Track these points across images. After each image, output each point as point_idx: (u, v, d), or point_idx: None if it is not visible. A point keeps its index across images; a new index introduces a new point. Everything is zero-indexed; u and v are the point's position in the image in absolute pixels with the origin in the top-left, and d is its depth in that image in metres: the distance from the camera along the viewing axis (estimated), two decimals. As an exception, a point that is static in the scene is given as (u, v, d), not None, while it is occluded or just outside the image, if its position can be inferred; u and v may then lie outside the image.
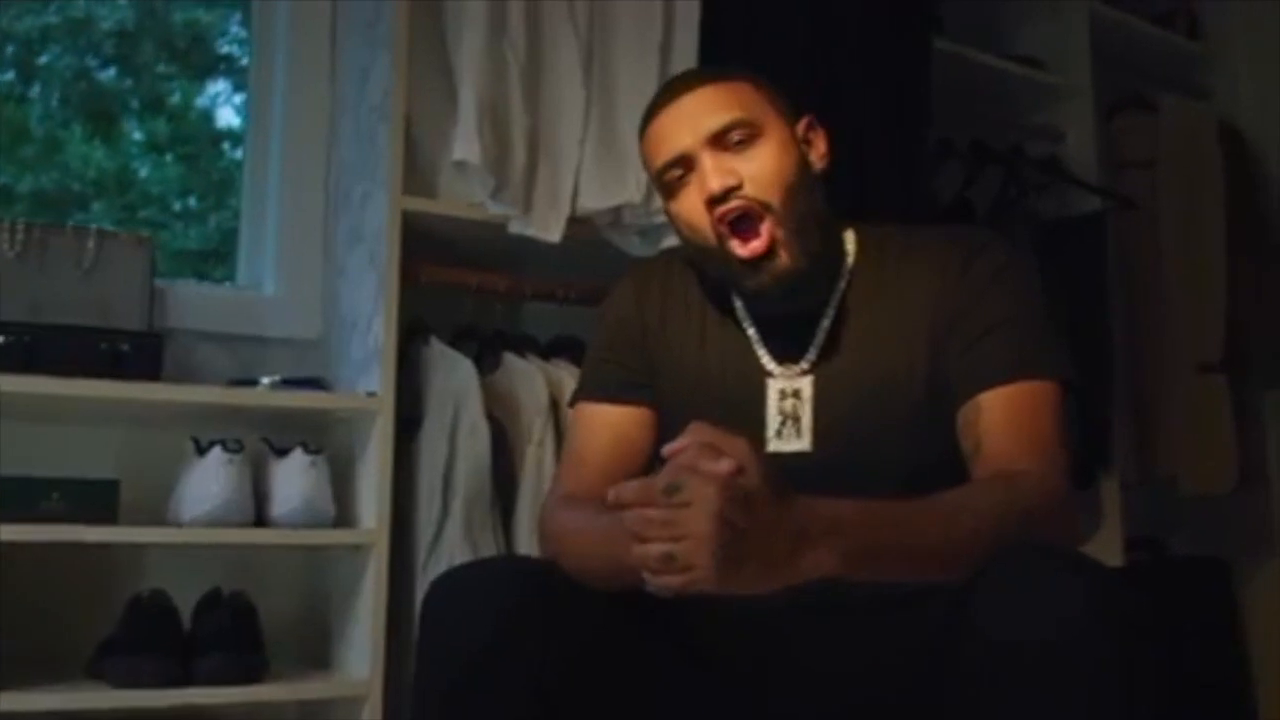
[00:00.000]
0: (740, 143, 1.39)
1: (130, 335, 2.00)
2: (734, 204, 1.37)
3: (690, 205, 1.41)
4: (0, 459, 1.92)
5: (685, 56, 2.10)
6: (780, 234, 1.38)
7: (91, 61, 2.69)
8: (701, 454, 1.10)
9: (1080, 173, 2.87)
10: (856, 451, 1.38)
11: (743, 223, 1.38)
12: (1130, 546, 2.75)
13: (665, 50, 2.10)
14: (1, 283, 2.01)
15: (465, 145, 1.97)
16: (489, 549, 1.95)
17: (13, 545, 1.78)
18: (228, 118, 2.83)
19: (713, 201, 1.38)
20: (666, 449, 1.14)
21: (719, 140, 1.39)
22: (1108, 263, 2.78)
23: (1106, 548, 2.64)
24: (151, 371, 1.97)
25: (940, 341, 1.39)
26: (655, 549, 1.09)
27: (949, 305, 1.39)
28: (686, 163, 1.41)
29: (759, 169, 1.38)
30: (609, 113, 2.10)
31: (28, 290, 2.03)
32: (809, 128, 1.47)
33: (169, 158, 2.79)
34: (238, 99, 2.80)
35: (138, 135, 2.76)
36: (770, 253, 1.38)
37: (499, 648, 1.22)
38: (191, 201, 2.79)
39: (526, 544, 1.97)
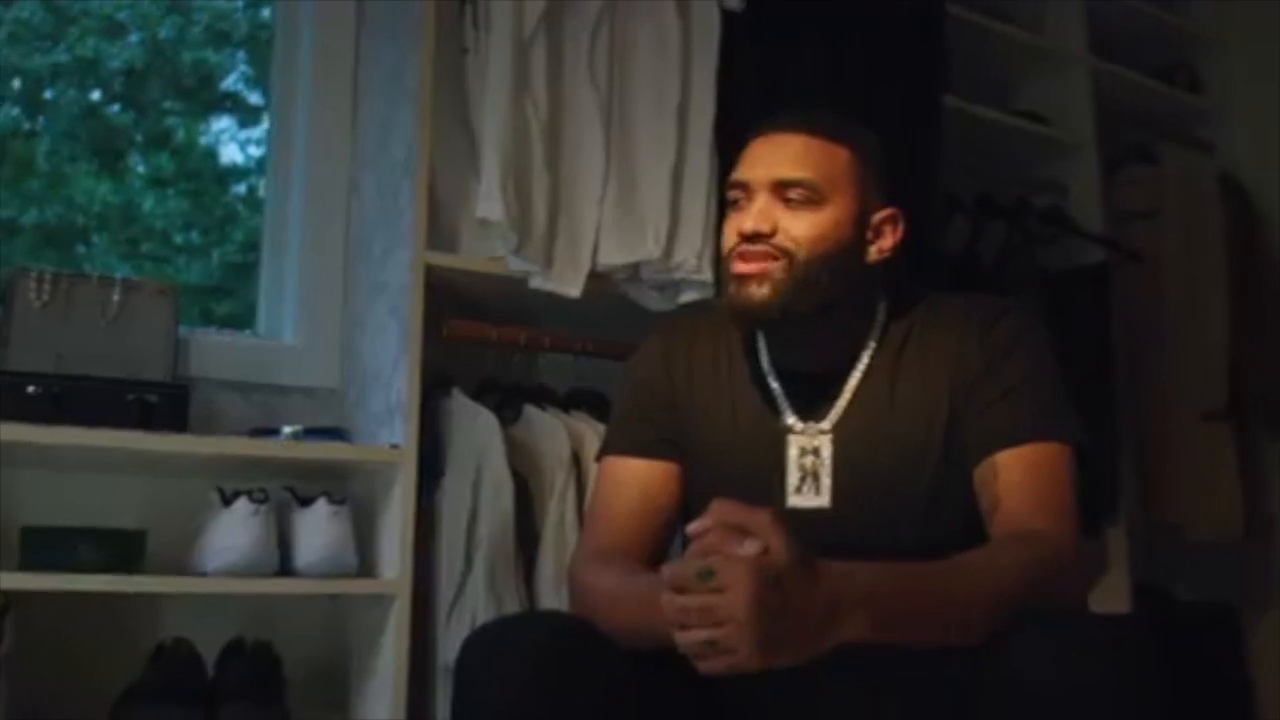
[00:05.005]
0: (798, 202, 1.43)
1: (157, 387, 2.03)
2: (758, 247, 1.43)
3: (731, 226, 1.47)
4: (30, 509, 1.95)
5: (703, 118, 2.15)
6: (780, 275, 1.42)
7: (99, 98, 2.73)
8: (728, 536, 1.14)
9: (1084, 224, 2.92)
10: (874, 510, 1.42)
11: (752, 259, 1.43)
12: (1137, 593, 2.78)
13: (683, 112, 2.15)
14: (29, 333, 2.03)
15: (488, 204, 2.00)
16: (512, 602, 1.97)
17: (41, 594, 1.81)
18: (232, 154, 2.89)
19: (741, 236, 1.44)
20: (691, 528, 1.18)
21: (780, 190, 1.44)
22: (1111, 313, 2.82)
23: (1113, 594, 2.68)
24: (178, 423, 2.00)
25: (959, 405, 1.43)
26: (697, 636, 1.13)
27: (968, 370, 1.44)
28: (748, 191, 1.46)
29: (799, 228, 1.43)
30: (628, 171, 2.14)
31: (54, 340, 2.05)
32: (887, 220, 1.50)
33: (172, 192, 2.81)
34: (243, 135, 2.85)
35: (142, 170, 2.78)
36: (759, 279, 1.42)
37: (533, 705, 1.24)
38: (194, 236, 2.82)
39: (549, 596, 2.00)
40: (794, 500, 1.46)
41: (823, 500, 1.46)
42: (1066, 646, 1.14)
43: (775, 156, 1.46)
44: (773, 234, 1.43)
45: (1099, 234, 2.91)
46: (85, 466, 2.06)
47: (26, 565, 1.84)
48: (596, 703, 1.28)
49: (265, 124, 2.77)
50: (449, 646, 1.92)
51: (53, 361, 2.02)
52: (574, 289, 2.11)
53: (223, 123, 2.86)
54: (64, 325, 2.07)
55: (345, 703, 2.09)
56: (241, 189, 2.90)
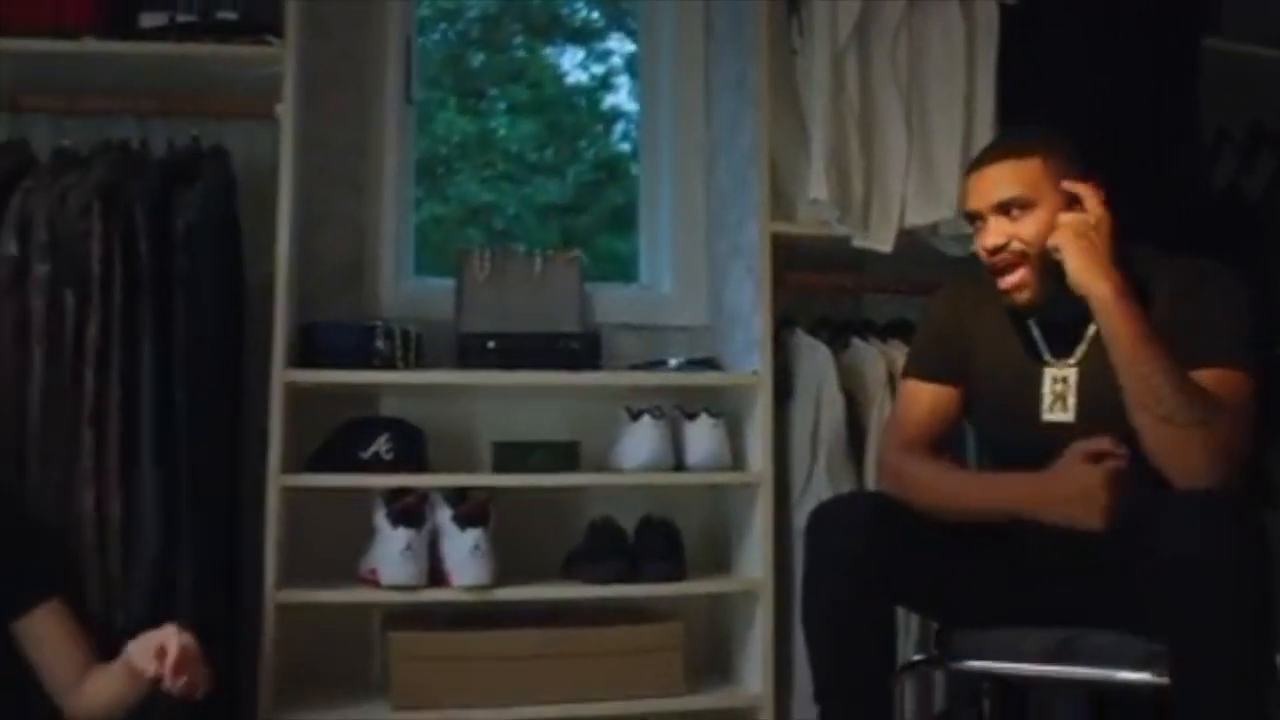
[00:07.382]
0: (1016, 211, 1.91)
1: (577, 336, 2.63)
2: (1001, 257, 1.93)
3: (979, 244, 1.98)
4: (496, 429, 2.65)
5: (986, 102, 2.60)
6: (1029, 278, 1.91)
7: (459, 43, 3.07)
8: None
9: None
10: (1106, 425, 1.84)
11: (1006, 270, 1.93)
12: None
13: (969, 100, 2.60)
14: (477, 300, 2.64)
15: (817, 186, 2.52)
16: (846, 486, 2.51)
17: (509, 489, 2.51)
18: (577, 76, 3.25)
19: (987, 251, 1.94)
20: (1078, 446, 1.82)
21: (1001, 208, 1.93)
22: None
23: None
24: (594, 362, 2.62)
25: (1171, 345, 1.84)
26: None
27: (1180, 318, 1.84)
28: (980, 217, 1.97)
29: (1025, 232, 1.91)
30: (926, 151, 2.61)
31: (496, 304, 2.65)
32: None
33: (524, 118, 3.14)
34: (588, 59, 3.23)
35: (496, 95, 3.11)
36: (1019, 288, 1.92)
37: (862, 553, 1.81)
38: (548, 155, 3.17)
39: (872, 484, 2.48)
40: (1047, 417, 1.93)
41: (1069, 416, 1.92)
42: (1194, 527, 1.60)
43: (987, 186, 1.94)
44: (1007, 244, 1.91)
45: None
46: (532, 397, 2.73)
47: (498, 469, 2.53)
48: (906, 551, 1.85)
49: (607, 43, 3.14)
50: (800, 518, 2.45)
51: (497, 321, 2.61)
52: (886, 245, 2.60)
53: (568, 49, 3.21)
54: (502, 292, 2.66)
55: (727, 562, 2.72)
56: (581, 103, 3.24)
